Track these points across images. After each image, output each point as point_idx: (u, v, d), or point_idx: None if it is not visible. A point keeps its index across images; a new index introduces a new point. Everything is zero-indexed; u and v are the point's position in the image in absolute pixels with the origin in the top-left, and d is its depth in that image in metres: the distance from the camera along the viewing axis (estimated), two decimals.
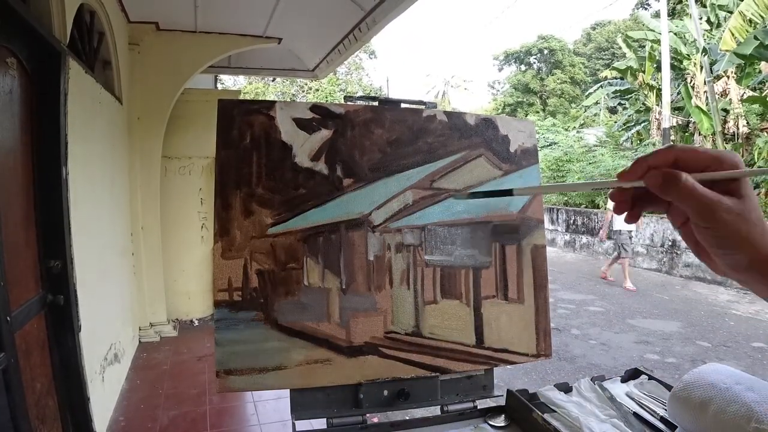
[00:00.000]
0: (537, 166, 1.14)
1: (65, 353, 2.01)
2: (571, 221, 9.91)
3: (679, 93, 10.02)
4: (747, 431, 0.77)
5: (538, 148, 1.23)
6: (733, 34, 8.61)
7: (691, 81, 9.88)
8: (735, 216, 0.39)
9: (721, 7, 9.64)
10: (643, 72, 10.96)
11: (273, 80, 20.64)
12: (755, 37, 8.17)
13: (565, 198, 10.59)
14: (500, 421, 1.03)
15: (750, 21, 8.40)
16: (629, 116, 12.83)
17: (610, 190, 0.45)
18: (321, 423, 0.98)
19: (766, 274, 0.40)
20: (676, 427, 0.93)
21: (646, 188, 0.41)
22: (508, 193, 0.50)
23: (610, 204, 0.45)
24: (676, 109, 10.49)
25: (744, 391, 0.83)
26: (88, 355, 2.18)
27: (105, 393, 2.61)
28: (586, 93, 17.45)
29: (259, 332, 0.93)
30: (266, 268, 0.95)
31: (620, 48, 12.97)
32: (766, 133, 8.82)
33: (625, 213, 0.45)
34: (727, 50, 8.73)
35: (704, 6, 11.04)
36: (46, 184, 1.92)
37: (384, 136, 1.03)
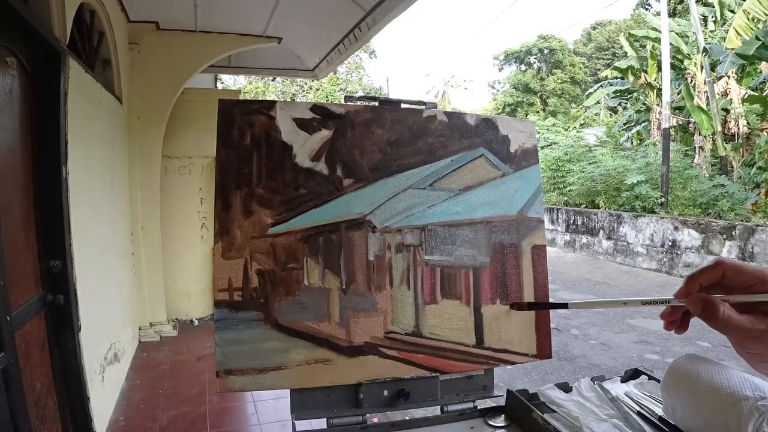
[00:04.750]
0: (537, 167, 1.14)
1: (65, 353, 2.00)
2: (571, 221, 9.90)
3: (679, 93, 10.01)
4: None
5: (538, 148, 1.23)
6: (738, 33, 8.58)
7: (692, 81, 9.88)
8: None
9: (729, 6, 9.61)
10: (645, 71, 10.94)
11: (273, 80, 20.65)
12: (757, 38, 8.16)
13: (565, 198, 10.59)
14: (500, 421, 1.03)
15: (754, 19, 8.36)
16: (629, 116, 12.82)
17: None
18: (321, 423, 0.98)
19: None
20: (676, 427, 0.93)
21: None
22: (563, 306, 0.60)
23: None
24: (677, 108, 10.48)
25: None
26: (88, 355, 2.18)
27: (105, 393, 2.61)
28: (587, 93, 17.42)
29: (259, 332, 0.93)
30: (266, 268, 0.95)
31: (621, 48, 12.96)
32: (766, 133, 8.82)
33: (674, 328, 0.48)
34: (732, 48, 8.70)
35: (706, 5, 11.02)
36: (45, 183, 1.92)
37: (384, 137, 1.03)
